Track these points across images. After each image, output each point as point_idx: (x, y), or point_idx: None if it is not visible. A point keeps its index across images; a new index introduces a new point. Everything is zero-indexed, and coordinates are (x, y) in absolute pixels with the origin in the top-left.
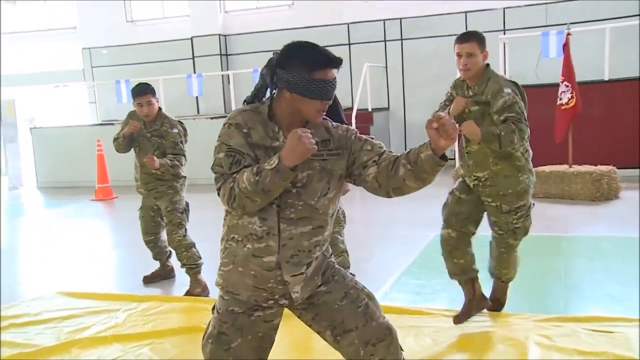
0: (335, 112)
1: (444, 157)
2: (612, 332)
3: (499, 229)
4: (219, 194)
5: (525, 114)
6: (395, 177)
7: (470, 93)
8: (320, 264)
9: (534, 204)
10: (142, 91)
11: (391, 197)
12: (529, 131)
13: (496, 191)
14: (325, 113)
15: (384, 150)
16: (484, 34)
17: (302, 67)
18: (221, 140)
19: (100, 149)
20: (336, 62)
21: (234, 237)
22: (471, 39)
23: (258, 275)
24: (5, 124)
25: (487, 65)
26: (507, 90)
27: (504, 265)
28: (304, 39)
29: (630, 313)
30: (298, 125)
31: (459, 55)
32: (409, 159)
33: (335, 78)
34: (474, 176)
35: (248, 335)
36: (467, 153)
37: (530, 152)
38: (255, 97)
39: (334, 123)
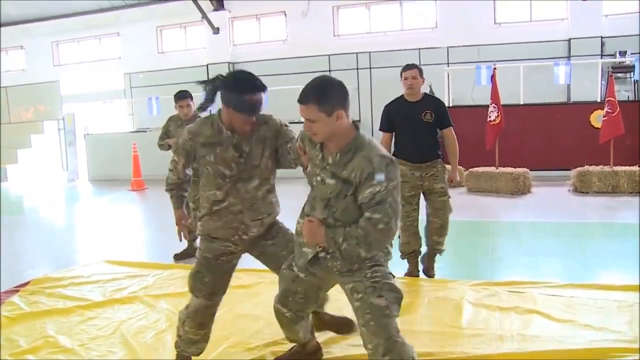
0: (445, 114)
1: None
2: (523, 292)
3: None
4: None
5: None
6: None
7: (330, 160)
8: (272, 222)
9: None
10: (183, 96)
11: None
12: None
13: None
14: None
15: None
16: (434, 66)
17: (236, 89)
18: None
19: (135, 150)
20: (261, 88)
21: (204, 205)
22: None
23: (226, 218)
24: (67, 132)
25: (356, 128)
26: (380, 176)
27: None
28: (294, 68)
29: (537, 278)
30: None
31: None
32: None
33: (261, 100)
34: None
35: (215, 273)
36: None
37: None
38: (203, 107)
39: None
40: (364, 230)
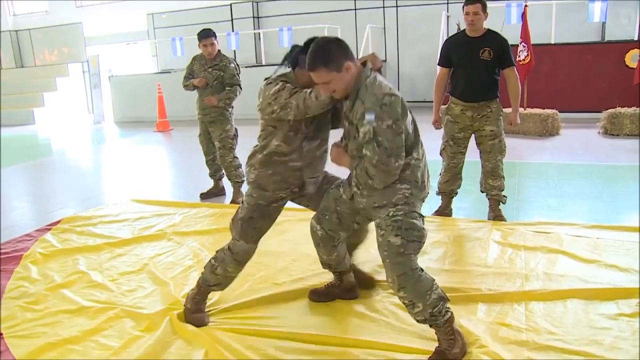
0: (506, 53)
1: None
2: (549, 233)
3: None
4: (289, 114)
5: (396, 143)
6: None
7: (345, 107)
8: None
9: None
10: (207, 34)
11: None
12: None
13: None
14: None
15: None
16: (462, 4)
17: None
18: (282, 89)
19: (160, 91)
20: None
21: (264, 153)
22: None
23: (284, 174)
24: (91, 74)
25: (365, 64)
26: (370, 116)
27: None
28: (319, 6)
29: (562, 218)
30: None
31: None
32: None
33: None
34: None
35: (267, 219)
36: None
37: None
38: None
39: None
40: (367, 163)
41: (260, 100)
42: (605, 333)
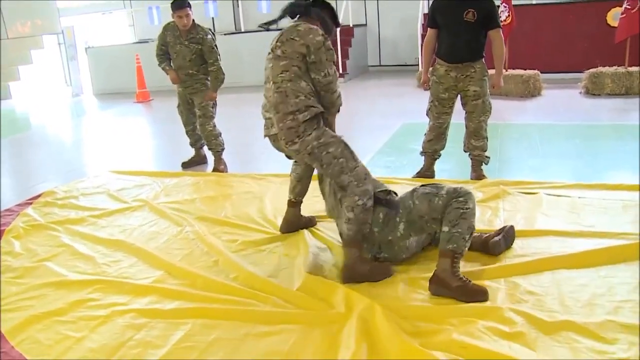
0: (491, 15)
1: None
2: (530, 193)
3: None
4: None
5: None
6: None
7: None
8: None
9: None
10: (181, 5)
11: None
12: None
13: None
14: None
15: None
16: None
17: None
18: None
19: (138, 61)
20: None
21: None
22: None
23: None
24: (67, 46)
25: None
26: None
27: None
28: None
29: (544, 178)
30: None
31: None
32: None
33: None
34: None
35: None
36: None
37: None
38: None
39: None
40: None
41: (310, 36)
42: (582, 290)
